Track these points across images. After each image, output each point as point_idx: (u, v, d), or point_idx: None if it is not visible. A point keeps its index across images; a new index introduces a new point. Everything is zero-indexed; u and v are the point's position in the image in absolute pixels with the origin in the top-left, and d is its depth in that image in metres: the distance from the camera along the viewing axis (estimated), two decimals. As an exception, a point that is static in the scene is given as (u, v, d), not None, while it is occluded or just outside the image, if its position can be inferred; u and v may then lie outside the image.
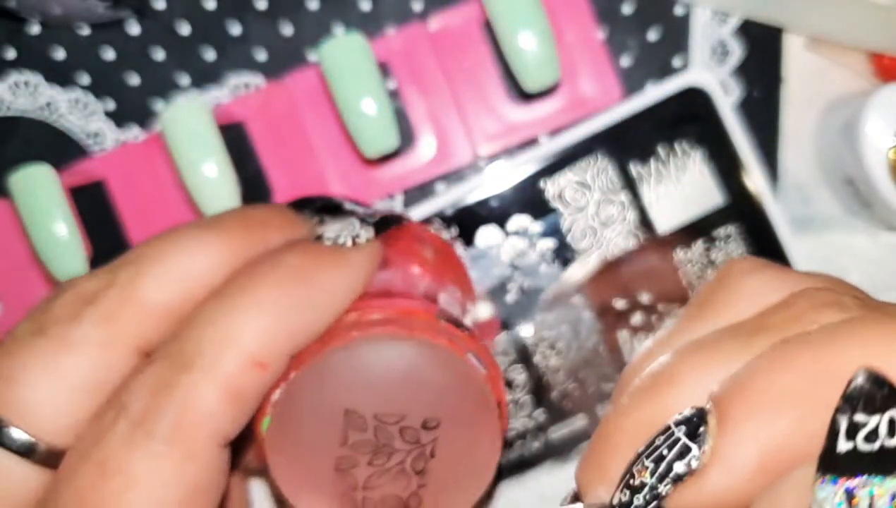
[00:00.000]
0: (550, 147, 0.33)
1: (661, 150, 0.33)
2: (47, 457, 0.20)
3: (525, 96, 0.33)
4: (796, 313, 0.17)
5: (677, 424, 0.16)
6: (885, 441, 0.14)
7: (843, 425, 0.14)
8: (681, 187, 0.33)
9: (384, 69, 0.33)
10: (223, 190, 0.30)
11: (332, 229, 0.23)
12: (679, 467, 0.16)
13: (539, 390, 0.33)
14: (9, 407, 0.20)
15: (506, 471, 0.34)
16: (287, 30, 0.34)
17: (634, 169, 0.33)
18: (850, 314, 0.17)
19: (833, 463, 0.14)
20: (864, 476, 0.14)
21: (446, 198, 0.33)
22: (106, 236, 0.33)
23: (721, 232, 0.33)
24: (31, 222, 0.31)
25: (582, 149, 0.33)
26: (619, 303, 0.33)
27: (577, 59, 0.33)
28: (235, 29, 0.34)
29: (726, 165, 0.33)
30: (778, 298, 0.18)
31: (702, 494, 0.15)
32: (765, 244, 0.33)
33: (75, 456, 0.19)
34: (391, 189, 0.34)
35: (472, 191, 0.33)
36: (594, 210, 0.33)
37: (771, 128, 0.34)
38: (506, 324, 0.33)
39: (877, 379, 0.14)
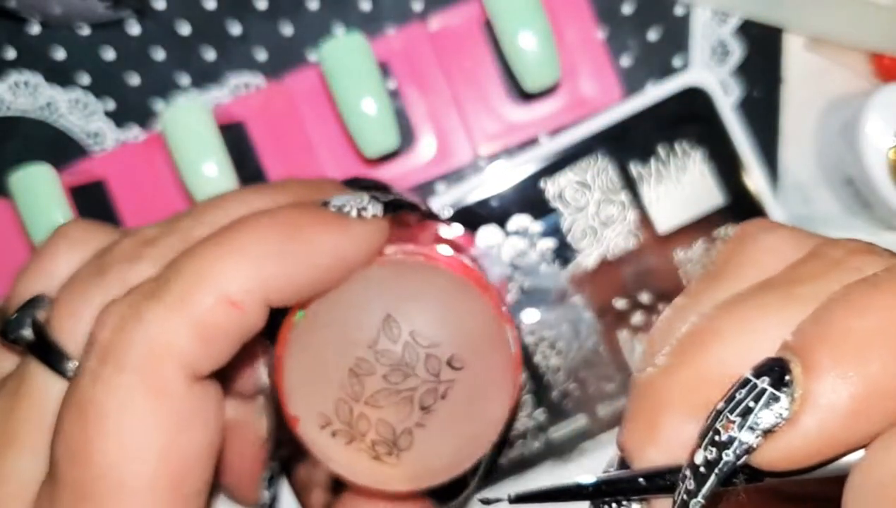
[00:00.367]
0: (551, 147, 0.33)
1: (661, 150, 0.33)
2: None
3: (525, 96, 0.33)
4: (834, 260, 0.17)
5: (758, 375, 0.15)
6: None
7: None
8: (681, 187, 0.33)
9: (384, 69, 0.33)
10: (223, 189, 0.30)
11: (340, 199, 0.23)
12: (769, 417, 0.15)
13: (539, 390, 0.33)
14: (73, 341, 0.20)
15: (506, 471, 0.34)
16: (287, 30, 0.34)
17: (635, 169, 0.33)
18: (887, 260, 0.16)
19: None
20: None
21: (447, 198, 0.33)
22: (106, 236, 0.33)
23: (721, 231, 0.33)
24: (32, 221, 0.31)
25: (582, 149, 0.33)
26: (620, 303, 0.33)
27: (578, 59, 0.33)
28: (235, 29, 0.34)
29: (726, 165, 0.33)
30: (797, 254, 0.18)
31: (794, 443, 0.15)
32: (765, 244, 0.33)
33: (63, 402, 0.19)
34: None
35: (473, 191, 0.33)
36: (594, 210, 0.33)
37: (771, 128, 0.34)
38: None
39: None
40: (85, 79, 0.34)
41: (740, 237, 0.19)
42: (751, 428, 0.15)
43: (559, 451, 0.33)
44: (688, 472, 0.16)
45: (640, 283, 0.33)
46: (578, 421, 0.33)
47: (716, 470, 0.15)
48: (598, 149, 0.33)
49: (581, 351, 0.33)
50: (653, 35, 0.34)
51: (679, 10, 0.34)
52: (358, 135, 0.30)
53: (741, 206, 0.33)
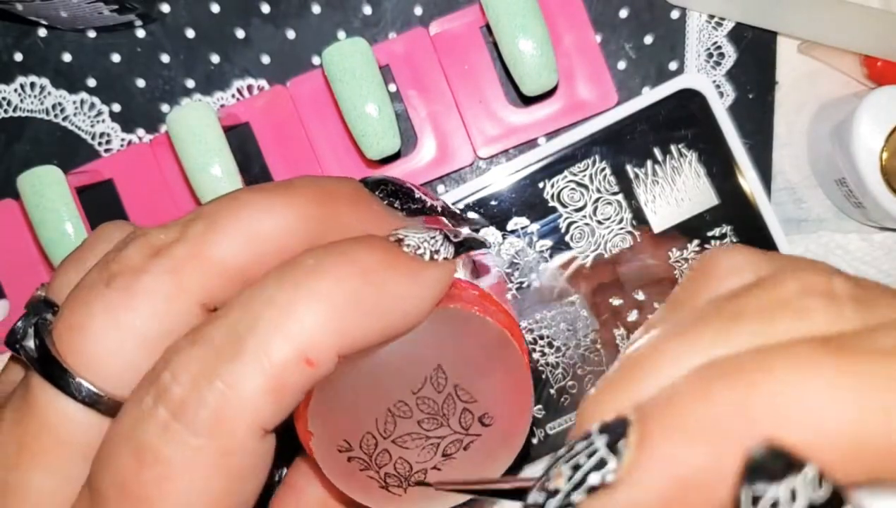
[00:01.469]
0: (549, 148, 0.33)
1: (656, 152, 0.33)
2: (112, 408, 0.20)
3: (524, 99, 0.34)
4: (783, 296, 0.16)
5: (600, 432, 0.15)
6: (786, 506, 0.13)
7: (746, 496, 0.14)
8: (676, 188, 0.33)
9: (386, 72, 0.34)
10: (229, 190, 0.30)
11: (415, 237, 0.21)
12: (594, 478, 0.15)
13: (537, 387, 0.34)
14: (76, 357, 0.19)
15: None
16: (290, 34, 0.34)
17: (631, 170, 0.33)
18: (836, 307, 0.16)
19: None
20: None
21: (447, 199, 0.33)
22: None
23: (715, 232, 0.33)
24: (40, 221, 0.31)
25: (580, 151, 0.33)
26: (616, 301, 0.33)
27: (575, 64, 0.33)
28: (240, 33, 0.34)
29: (721, 167, 0.33)
30: (754, 276, 0.18)
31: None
32: (758, 244, 0.33)
33: (115, 435, 0.19)
34: None
35: (473, 193, 0.33)
36: (592, 210, 0.33)
37: (764, 129, 0.34)
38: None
39: (775, 451, 0.14)
40: (91, 82, 0.35)
41: (701, 261, 0.19)
42: (575, 485, 0.15)
43: (556, 448, 0.34)
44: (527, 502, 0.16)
45: (637, 282, 0.33)
46: (575, 418, 0.34)
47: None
48: (596, 150, 0.33)
49: (578, 349, 0.34)
50: (648, 39, 0.34)
51: (674, 15, 0.34)
52: (360, 138, 0.30)
53: (735, 207, 0.33)
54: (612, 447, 0.15)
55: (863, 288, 0.17)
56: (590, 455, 0.15)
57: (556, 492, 0.15)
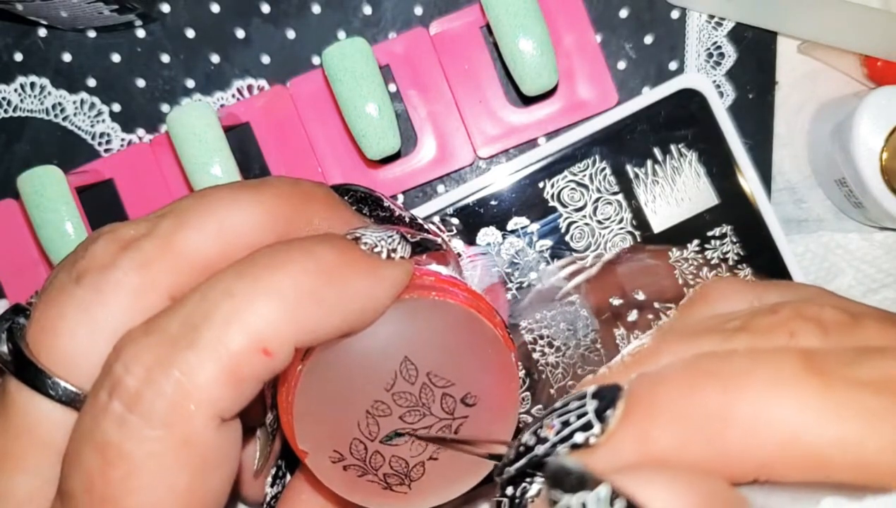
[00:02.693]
0: (549, 148, 0.33)
1: (657, 152, 0.33)
2: None
3: (524, 99, 0.34)
4: (779, 321, 0.18)
5: (593, 395, 0.17)
6: None
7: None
8: (676, 188, 0.33)
9: (386, 72, 0.34)
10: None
11: (372, 237, 0.22)
12: (578, 437, 0.16)
13: (537, 386, 0.34)
14: (51, 358, 0.19)
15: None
16: (290, 34, 0.34)
17: (631, 170, 0.33)
18: (823, 332, 0.17)
19: None
20: None
21: (447, 199, 0.33)
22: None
23: (715, 231, 0.33)
24: (40, 221, 0.31)
25: (580, 151, 0.33)
26: (616, 301, 0.33)
27: (575, 63, 0.33)
28: (240, 33, 0.34)
29: (721, 166, 0.33)
30: (745, 305, 0.19)
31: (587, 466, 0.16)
32: (758, 244, 0.33)
33: (78, 434, 0.19)
34: (394, 189, 0.34)
35: (473, 192, 0.33)
36: (592, 210, 0.33)
37: (764, 129, 0.34)
38: (505, 323, 0.34)
39: (566, 468, 0.15)
40: (91, 82, 0.35)
41: (701, 288, 0.21)
42: (562, 439, 0.17)
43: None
44: (513, 445, 0.18)
45: (636, 282, 0.33)
46: (576, 418, 0.34)
47: (528, 456, 0.17)
48: (596, 150, 0.33)
49: (578, 349, 0.34)
50: (648, 39, 0.34)
51: (674, 15, 0.34)
52: (360, 138, 0.30)
53: (735, 207, 0.33)
54: (600, 413, 0.16)
55: (854, 316, 0.18)
56: (580, 416, 0.17)
57: (545, 440, 0.17)
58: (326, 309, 0.19)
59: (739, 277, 0.21)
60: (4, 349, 0.20)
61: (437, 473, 0.23)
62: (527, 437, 0.17)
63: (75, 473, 0.18)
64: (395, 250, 0.21)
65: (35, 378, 0.19)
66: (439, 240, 0.25)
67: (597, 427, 0.16)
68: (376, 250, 0.21)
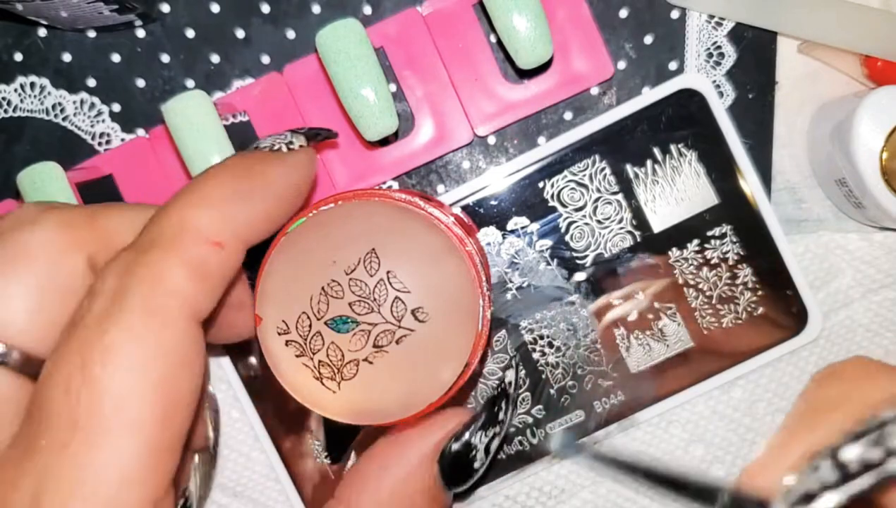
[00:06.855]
0: (549, 148, 0.33)
1: (656, 152, 0.33)
2: (24, 364, 0.21)
3: (520, 75, 0.34)
4: None
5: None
6: None
7: None
8: (676, 188, 0.33)
9: (380, 55, 0.33)
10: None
11: (266, 141, 0.25)
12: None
13: (537, 387, 0.34)
14: None
15: (506, 466, 0.34)
16: (291, 34, 0.34)
17: (631, 170, 0.33)
18: None
19: None
20: None
21: (447, 199, 0.33)
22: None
23: (715, 231, 0.33)
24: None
25: (580, 151, 0.33)
26: (616, 301, 0.33)
27: (569, 37, 0.33)
28: (240, 33, 0.34)
29: (721, 166, 0.33)
30: (881, 394, 0.19)
31: None
32: (758, 244, 0.33)
33: (56, 352, 0.19)
34: (394, 172, 0.34)
35: (473, 192, 0.33)
36: (591, 210, 0.33)
37: (764, 129, 0.34)
38: (505, 322, 0.34)
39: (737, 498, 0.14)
40: (91, 82, 0.35)
41: (833, 372, 0.21)
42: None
43: (556, 443, 0.34)
44: (824, 464, 0.16)
45: (636, 281, 0.33)
46: (575, 418, 0.34)
47: (877, 471, 0.15)
48: (596, 150, 0.33)
49: (578, 349, 0.34)
50: (648, 39, 0.34)
51: (674, 15, 0.34)
52: (358, 119, 0.30)
53: (735, 207, 0.33)
54: None
55: None
56: None
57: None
58: (253, 198, 0.23)
59: (866, 358, 0.21)
60: None
61: (368, 380, 0.24)
62: (859, 450, 0.16)
63: (52, 381, 0.19)
64: (291, 143, 0.26)
65: None
66: (328, 128, 0.29)
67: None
68: (275, 148, 0.25)
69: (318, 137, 0.28)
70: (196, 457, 0.29)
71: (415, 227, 0.23)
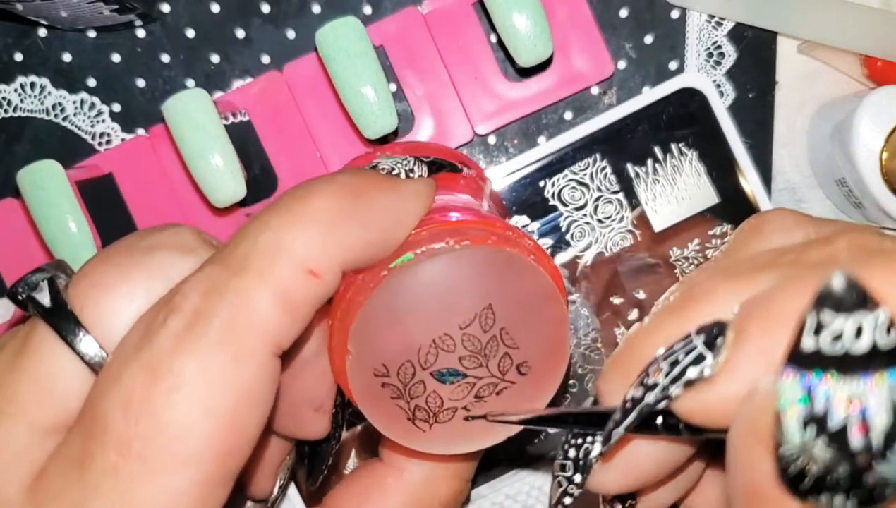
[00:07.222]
0: (549, 147, 0.33)
1: (657, 151, 0.33)
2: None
3: (520, 73, 0.34)
4: (835, 252, 0.17)
5: (697, 333, 0.16)
6: (849, 345, 0.14)
7: (811, 322, 0.14)
8: (676, 187, 0.33)
9: (380, 54, 0.33)
10: (228, 175, 0.30)
11: (388, 162, 0.23)
12: (692, 372, 0.16)
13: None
14: (91, 315, 0.20)
15: (504, 465, 0.34)
16: (291, 34, 0.34)
17: (632, 169, 0.33)
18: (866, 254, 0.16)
19: (797, 359, 0.14)
20: (825, 376, 0.14)
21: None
22: (115, 228, 0.34)
23: (716, 230, 0.33)
24: (41, 216, 0.31)
25: (581, 150, 0.33)
26: (616, 300, 0.33)
27: (569, 36, 0.33)
28: (240, 34, 0.34)
29: (721, 166, 0.33)
30: (802, 236, 0.19)
31: (708, 400, 0.16)
32: (759, 243, 0.33)
33: (120, 360, 0.18)
34: None
35: (472, 192, 0.33)
36: (592, 209, 0.33)
37: (764, 129, 0.34)
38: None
39: (852, 284, 0.14)
40: (91, 82, 0.35)
41: (755, 219, 0.20)
42: (674, 378, 0.16)
43: (558, 446, 0.34)
44: (619, 407, 0.17)
45: (637, 280, 0.33)
46: (577, 418, 0.34)
47: (638, 408, 0.17)
48: (597, 149, 0.33)
49: (579, 348, 0.34)
50: (648, 39, 0.34)
51: (674, 15, 0.34)
52: (357, 117, 0.30)
53: (735, 206, 0.33)
54: (710, 344, 0.16)
55: None
56: (688, 353, 0.16)
57: (654, 385, 0.17)
58: (360, 226, 0.20)
59: (790, 209, 0.20)
60: (41, 296, 0.20)
61: (461, 424, 0.23)
62: (632, 392, 0.17)
63: (111, 394, 0.18)
64: (412, 170, 0.23)
65: (67, 329, 0.20)
66: (453, 160, 0.26)
67: (709, 358, 0.16)
68: (395, 172, 0.23)
69: (443, 169, 0.26)
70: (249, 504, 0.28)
71: (523, 275, 0.22)
